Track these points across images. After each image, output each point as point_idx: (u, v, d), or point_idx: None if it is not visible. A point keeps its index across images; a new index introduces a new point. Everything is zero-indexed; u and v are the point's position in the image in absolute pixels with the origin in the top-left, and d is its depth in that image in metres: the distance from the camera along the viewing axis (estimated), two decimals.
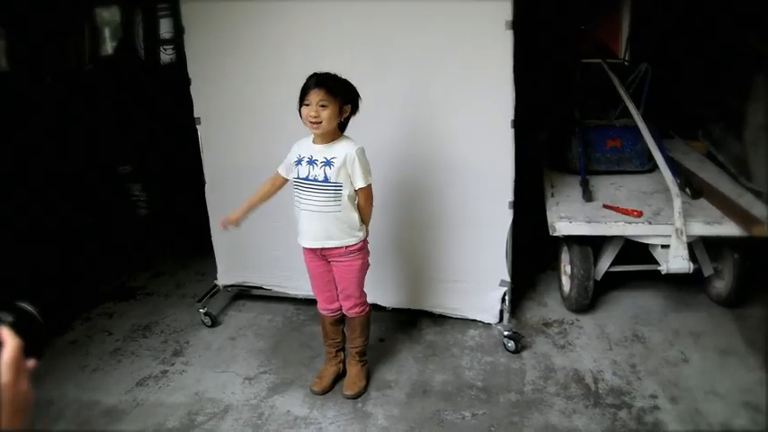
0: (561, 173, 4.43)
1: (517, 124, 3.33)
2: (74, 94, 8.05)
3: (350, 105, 2.91)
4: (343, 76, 2.88)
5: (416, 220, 3.65)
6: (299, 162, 2.97)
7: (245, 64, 3.64)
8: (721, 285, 3.87)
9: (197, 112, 3.80)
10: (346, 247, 3.04)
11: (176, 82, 4.24)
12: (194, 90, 3.76)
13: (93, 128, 7.86)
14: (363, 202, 3.02)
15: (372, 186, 3.02)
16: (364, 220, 3.07)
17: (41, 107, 7.31)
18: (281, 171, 3.11)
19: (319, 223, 2.98)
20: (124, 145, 8.07)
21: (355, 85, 2.93)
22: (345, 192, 2.94)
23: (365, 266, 3.17)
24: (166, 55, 10.62)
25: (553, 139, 4.83)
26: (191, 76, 3.74)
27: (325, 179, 2.91)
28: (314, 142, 2.95)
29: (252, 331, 3.89)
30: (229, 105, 3.73)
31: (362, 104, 2.96)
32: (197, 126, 3.82)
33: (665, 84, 5.18)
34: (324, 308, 3.27)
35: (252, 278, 4.12)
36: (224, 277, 4.16)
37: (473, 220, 3.59)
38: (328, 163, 2.90)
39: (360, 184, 2.93)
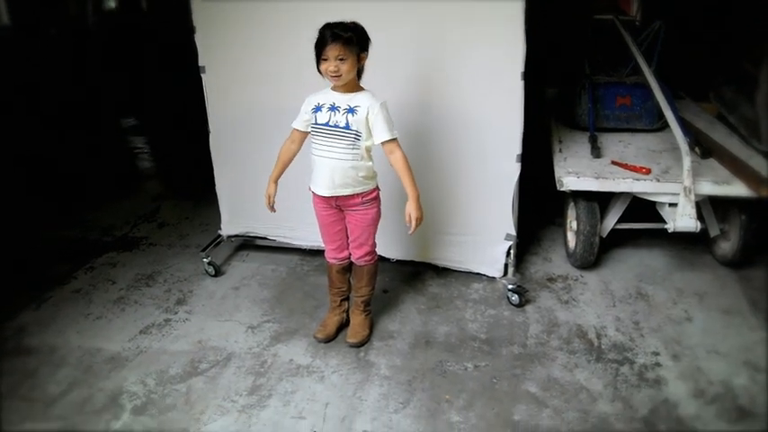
0: (569, 129, 4.40)
1: (527, 78, 3.29)
2: (77, 47, 7.98)
3: (366, 53, 2.88)
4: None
5: (422, 172, 3.58)
6: (318, 109, 2.95)
7: (251, 12, 3.57)
8: (727, 246, 3.86)
9: (202, 60, 3.75)
10: (361, 195, 3.04)
11: (180, 34, 4.18)
12: (199, 39, 3.70)
13: (97, 81, 7.81)
14: (400, 156, 2.91)
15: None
16: (408, 180, 2.93)
17: (44, 60, 7.26)
18: (298, 125, 3.06)
19: (335, 171, 2.95)
20: (128, 98, 8.03)
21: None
22: (363, 142, 2.93)
23: (379, 215, 3.16)
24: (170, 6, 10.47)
25: (563, 94, 4.78)
26: (195, 24, 3.67)
27: (347, 126, 2.89)
28: (335, 90, 2.93)
29: (255, 281, 3.90)
30: (235, 53, 3.68)
31: (371, 55, 2.92)
32: (201, 75, 3.78)
33: (677, 44, 5.10)
34: (332, 256, 3.27)
35: (256, 228, 4.11)
36: (228, 227, 4.15)
37: (480, 173, 3.56)
38: (351, 110, 2.88)
39: (385, 136, 2.88)
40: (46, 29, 7.75)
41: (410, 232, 2.98)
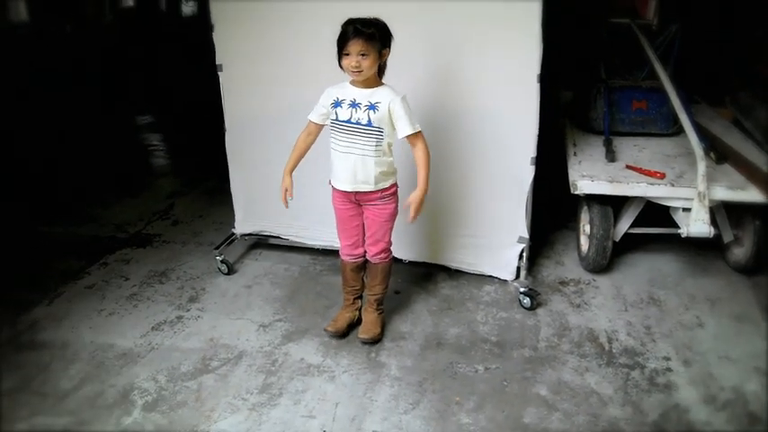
0: (584, 132, 4.39)
1: (542, 81, 3.28)
2: (93, 46, 8.05)
3: (388, 49, 2.89)
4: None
5: (437, 173, 3.58)
6: (338, 104, 2.95)
7: (270, 10, 3.58)
8: (740, 252, 3.84)
9: (219, 58, 3.76)
10: (381, 191, 3.05)
11: (197, 35, 4.20)
12: (216, 36, 3.72)
13: (113, 79, 7.88)
14: (422, 149, 2.95)
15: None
16: (423, 174, 2.96)
17: (61, 57, 7.32)
18: (315, 118, 3.07)
19: (357, 167, 2.97)
20: (144, 96, 8.10)
21: None
22: (386, 139, 2.95)
23: (396, 211, 3.16)
24: (187, 7, 10.58)
25: (578, 97, 4.77)
26: (213, 22, 3.69)
27: (369, 123, 2.90)
28: (355, 86, 2.94)
29: (268, 280, 3.90)
30: (252, 52, 3.69)
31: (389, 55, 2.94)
32: (218, 73, 3.79)
33: (694, 48, 5.09)
34: (347, 253, 3.27)
35: (269, 227, 4.12)
36: (241, 226, 4.16)
37: (494, 175, 3.56)
38: (373, 107, 2.89)
39: (408, 130, 2.90)
40: (61, 26, 7.81)
41: (407, 220, 3.00)
